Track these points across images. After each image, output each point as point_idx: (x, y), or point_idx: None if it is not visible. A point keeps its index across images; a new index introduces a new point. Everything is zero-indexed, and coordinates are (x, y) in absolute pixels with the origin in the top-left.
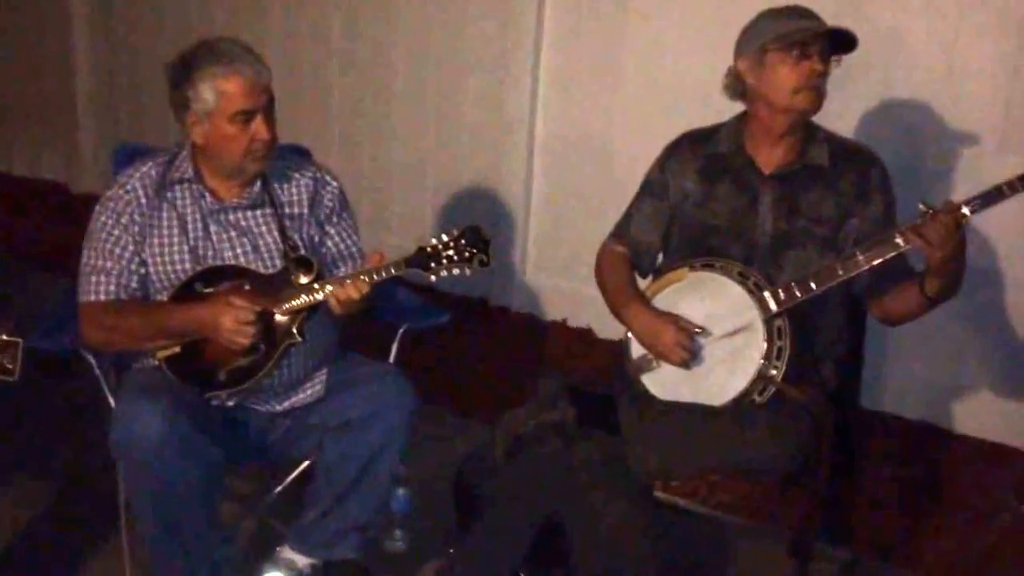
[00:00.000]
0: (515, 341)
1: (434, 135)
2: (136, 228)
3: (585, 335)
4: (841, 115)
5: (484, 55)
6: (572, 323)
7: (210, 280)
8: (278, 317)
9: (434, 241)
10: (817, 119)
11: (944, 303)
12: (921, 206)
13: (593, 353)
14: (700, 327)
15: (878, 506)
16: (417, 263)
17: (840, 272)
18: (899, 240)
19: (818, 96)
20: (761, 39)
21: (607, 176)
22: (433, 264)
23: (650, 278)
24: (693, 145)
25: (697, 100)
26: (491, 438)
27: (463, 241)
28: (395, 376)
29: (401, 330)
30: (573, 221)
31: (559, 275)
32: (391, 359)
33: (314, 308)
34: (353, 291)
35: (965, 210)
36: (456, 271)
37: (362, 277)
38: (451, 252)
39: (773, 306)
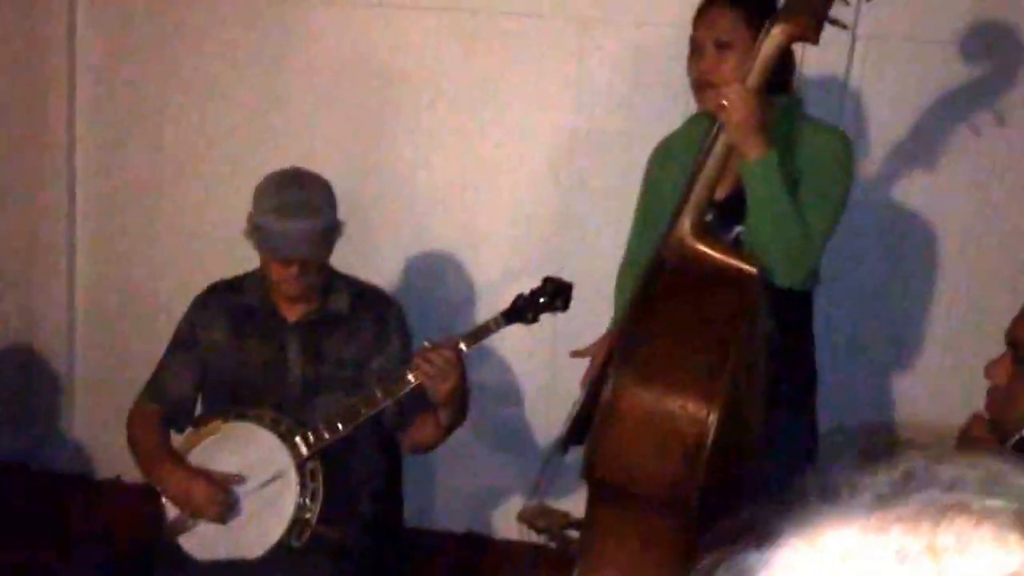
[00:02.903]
0: (62, 506)
1: None
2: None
3: (144, 492)
4: None
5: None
6: (127, 479)
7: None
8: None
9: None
10: None
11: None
12: (425, 343)
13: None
14: (235, 478)
15: None
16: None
17: (363, 411)
18: (410, 376)
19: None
20: None
21: (151, 331)
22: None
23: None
24: (221, 296)
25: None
26: None
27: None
28: None
29: None
30: (123, 373)
31: (111, 430)
32: None
33: None
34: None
35: (462, 345)
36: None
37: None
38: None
39: (304, 450)
